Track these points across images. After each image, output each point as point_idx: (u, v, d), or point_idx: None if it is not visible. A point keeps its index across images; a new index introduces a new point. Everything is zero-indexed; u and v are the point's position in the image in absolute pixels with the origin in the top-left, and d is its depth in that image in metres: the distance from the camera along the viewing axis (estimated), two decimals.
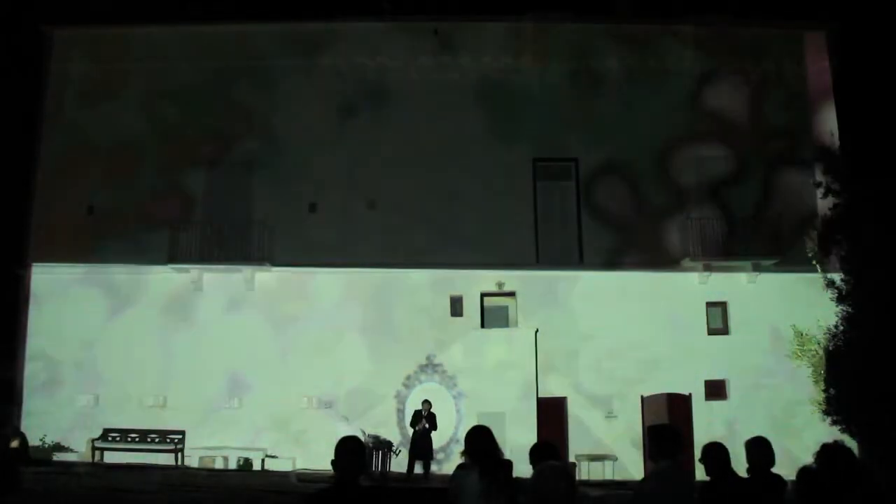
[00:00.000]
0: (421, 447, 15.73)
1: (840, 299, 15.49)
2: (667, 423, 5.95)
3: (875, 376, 14.10)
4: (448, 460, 16.48)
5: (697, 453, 5.27)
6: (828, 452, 4.61)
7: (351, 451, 4.07)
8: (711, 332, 18.83)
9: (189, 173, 19.30)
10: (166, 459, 17.17)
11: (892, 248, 14.42)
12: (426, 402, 16.16)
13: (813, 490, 4.47)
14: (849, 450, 4.62)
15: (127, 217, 19.04)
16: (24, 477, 10.71)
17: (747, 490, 5.09)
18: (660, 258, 19.06)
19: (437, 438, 16.19)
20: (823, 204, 17.26)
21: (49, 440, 17.72)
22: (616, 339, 18.44)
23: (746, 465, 5.29)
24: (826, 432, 14.73)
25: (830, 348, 15.87)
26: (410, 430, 16.14)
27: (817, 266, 17.21)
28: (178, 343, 18.32)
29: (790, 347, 18.12)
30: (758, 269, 18.83)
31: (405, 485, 14.40)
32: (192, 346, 18.27)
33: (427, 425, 15.80)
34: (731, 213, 19.06)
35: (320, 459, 16.79)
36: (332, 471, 4.05)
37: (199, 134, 19.44)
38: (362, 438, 14.96)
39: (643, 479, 5.19)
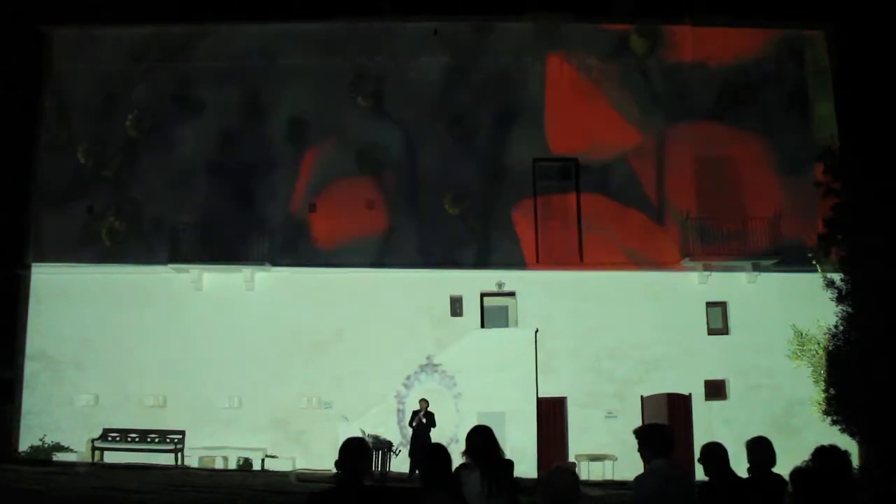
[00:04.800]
0: (418, 446, 15.71)
1: (840, 299, 15.48)
2: (653, 423, 5.96)
3: (875, 376, 14.09)
4: None
5: (697, 453, 5.27)
6: (823, 454, 4.60)
7: (356, 452, 4.07)
8: (711, 332, 18.85)
9: (189, 173, 19.31)
10: (166, 459, 17.19)
11: (892, 248, 14.41)
12: (423, 401, 16.17)
13: (807, 490, 4.47)
14: (845, 451, 4.62)
15: (127, 217, 19.06)
16: (23, 477, 10.71)
17: (747, 490, 5.08)
18: (660, 258, 19.06)
19: (437, 438, 16.15)
20: (823, 204, 17.26)
21: (49, 440, 17.73)
22: (616, 339, 18.47)
23: (746, 465, 5.28)
24: (826, 432, 14.71)
25: (830, 348, 15.86)
26: (410, 430, 16.12)
27: (817, 266, 17.20)
28: (178, 343, 18.29)
29: (790, 347, 18.12)
30: (758, 269, 18.83)
31: (405, 485, 14.38)
32: (192, 346, 18.26)
33: (425, 421, 15.79)
34: (731, 213, 19.04)
35: (320, 459, 16.86)
36: (336, 471, 4.03)
37: (199, 133, 19.45)
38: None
39: (639, 477, 5.14)
